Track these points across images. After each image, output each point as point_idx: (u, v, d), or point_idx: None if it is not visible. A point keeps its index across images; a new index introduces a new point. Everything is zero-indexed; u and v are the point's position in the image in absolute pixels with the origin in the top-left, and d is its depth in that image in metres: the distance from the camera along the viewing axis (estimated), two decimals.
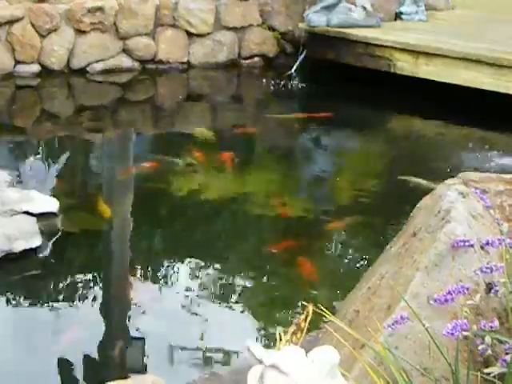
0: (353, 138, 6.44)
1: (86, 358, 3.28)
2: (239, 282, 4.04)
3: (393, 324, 1.84)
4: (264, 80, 7.65)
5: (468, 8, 9.51)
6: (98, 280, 3.96)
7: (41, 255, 4.00)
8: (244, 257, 4.32)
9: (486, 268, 1.89)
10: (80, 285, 3.84)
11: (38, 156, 5.67)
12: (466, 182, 2.23)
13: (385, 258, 2.29)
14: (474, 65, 6.93)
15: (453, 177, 2.30)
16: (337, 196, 5.29)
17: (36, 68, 7.13)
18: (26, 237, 3.99)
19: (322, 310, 1.94)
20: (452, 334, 1.74)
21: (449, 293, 1.82)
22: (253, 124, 6.96)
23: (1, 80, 6.92)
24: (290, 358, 1.60)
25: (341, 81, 7.38)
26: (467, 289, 1.84)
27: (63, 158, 5.73)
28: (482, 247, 2.01)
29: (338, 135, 6.55)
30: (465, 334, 1.76)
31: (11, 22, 6.94)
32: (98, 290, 3.85)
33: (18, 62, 7.05)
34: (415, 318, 1.84)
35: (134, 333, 3.50)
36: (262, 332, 3.58)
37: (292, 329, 2.03)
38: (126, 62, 7.55)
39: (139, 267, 4.12)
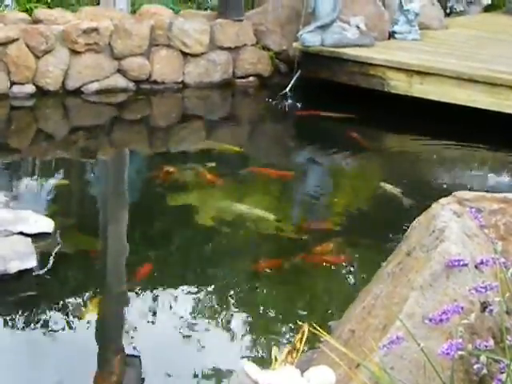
0: (346, 156, 6.45)
1: (83, 379, 3.27)
2: (234, 301, 4.03)
3: (388, 344, 1.84)
4: (262, 100, 7.70)
5: (461, 27, 9.57)
6: (94, 300, 3.95)
7: (36, 276, 3.99)
8: (239, 276, 4.31)
9: (481, 287, 1.89)
10: (76, 305, 3.83)
11: (33, 176, 5.67)
12: (460, 201, 2.24)
13: (379, 277, 2.30)
14: (467, 83, 6.97)
15: (446, 196, 2.31)
16: (330, 214, 5.29)
17: (31, 89, 7.14)
18: (21, 257, 3.98)
19: (317, 329, 1.94)
20: (447, 353, 1.74)
21: (444, 312, 1.83)
22: (249, 143, 7.00)
23: None
24: (285, 378, 1.60)
25: (335, 100, 7.41)
26: (462, 308, 1.84)
27: (58, 178, 5.74)
28: (476, 266, 2.02)
29: (331, 154, 6.56)
30: (460, 353, 1.76)
31: (6, 43, 6.95)
32: (93, 310, 3.84)
33: (13, 83, 7.05)
34: (410, 338, 1.84)
35: (129, 351, 3.49)
36: (258, 352, 3.58)
37: (287, 349, 2.03)
38: (120, 82, 7.57)
39: (135, 286, 4.11)
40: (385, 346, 1.84)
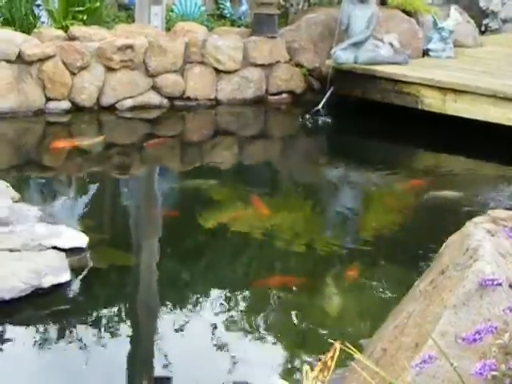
0: (379, 174, 6.43)
1: None
2: (266, 316, 4.02)
3: (420, 363, 1.83)
4: (296, 117, 7.74)
5: (496, 45, 9.52)
6: (126, 316, 3.97)
7: (69, 290, 4.02)
8: (270, 292, 4.31)
9: None
10: (108, 320, 3.85)
11: (67, 191, 5.73)
12: (494, 220, 2.23)
13: (412, 295, 2.29)
14: (501, 101, 6.93)
15: (482, 214, 2.30)
16: (362, 232, 5.27)
17: (66, 105, 7.22)
18: (54, 272, 4.01)
19: (349, 347, 1.93)
20: (480, 373, 1.73)
21: (477, 332, 1.81)
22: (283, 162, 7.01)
23: (32, 116, 7.02)
24: None
25: (368, 117, 7.40)
26: (496, 328, 1.82)
27: (92, 193, 5.78)
28: (510, 286, 2.00)
29: (364, 172, 6.55)
30: (493, 373, 1.75)
31: (42, 60, 7.05)
32: (126, 326, 3.86)
33: (48, 99, 7.15)
34: (443, 357, 1.83)
35: (160, 367, 3.50)
36: (289, 369, 3.56)
37: (319, 366, 2.03)
38: (154, 98, 7.63)
39: (167, 302, 4.12)
40: (417, 365, 1.83)
